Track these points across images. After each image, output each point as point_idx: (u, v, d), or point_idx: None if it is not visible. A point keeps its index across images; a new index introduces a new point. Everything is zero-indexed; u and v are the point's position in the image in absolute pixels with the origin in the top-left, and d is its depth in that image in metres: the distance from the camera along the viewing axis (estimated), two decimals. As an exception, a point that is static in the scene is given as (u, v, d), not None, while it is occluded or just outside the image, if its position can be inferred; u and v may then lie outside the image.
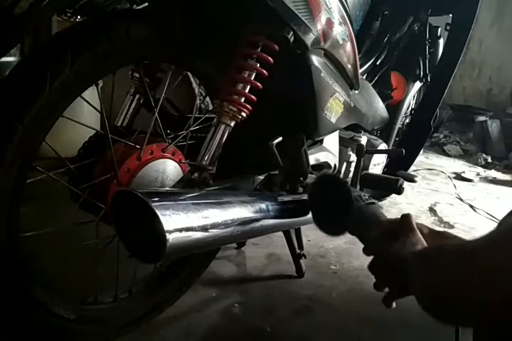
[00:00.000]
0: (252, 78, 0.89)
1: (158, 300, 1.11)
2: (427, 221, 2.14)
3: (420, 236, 0.72)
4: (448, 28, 1.64)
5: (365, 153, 1.37)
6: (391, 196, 1.88)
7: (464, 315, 0.54)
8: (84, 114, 1.68)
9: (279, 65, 0.90)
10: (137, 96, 1.13)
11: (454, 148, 4.03)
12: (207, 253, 1.17)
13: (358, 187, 1.38)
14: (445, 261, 0.56)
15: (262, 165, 1.10)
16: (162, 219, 0.68)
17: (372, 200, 0.87)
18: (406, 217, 0.75)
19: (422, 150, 1.84)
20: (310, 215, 1.09)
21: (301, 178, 1.15)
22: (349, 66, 1.15)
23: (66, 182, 0.92)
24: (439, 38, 1.74)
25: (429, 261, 0.60)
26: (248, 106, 0.90)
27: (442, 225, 2.13)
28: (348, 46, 1.11)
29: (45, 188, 0.95)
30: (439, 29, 1.71)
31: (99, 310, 0.98)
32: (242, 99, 0.89)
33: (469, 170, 3.38)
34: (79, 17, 1.06)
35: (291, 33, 0.87)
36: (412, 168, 1.96)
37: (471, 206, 2.49)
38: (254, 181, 1.14)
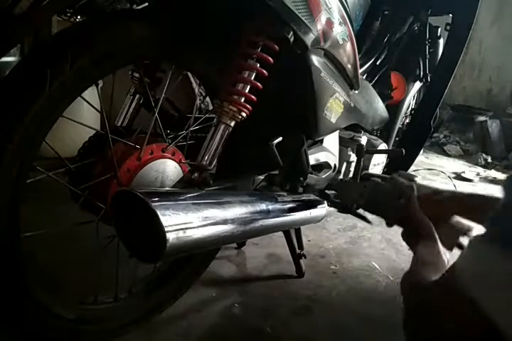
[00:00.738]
0: (252, 78, 0.89)
1: (158, 300, 1.11)
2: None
3: (425, 223, 0.79)
4: (448, 28, 1.64)
5: (365, 153, 1.37)
6: (391, 196, 1.88)
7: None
8: (84, 114, 1.69)
9: (279, 65, 0.90)
10: (137, 96, 1.13)
11: (454, 148, 4.04)
12: (207, 253, 1.17)
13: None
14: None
15: (262, 165, 1.10)
16: (162, 219, 0.68)
17: (376, 181, 1.05)
18: (408, 208, 0.85)
19: (422, 150, 1.84)
20: (310, 215, 1.10)
21: (301, 178, 1.15)
22: (349, 66, 1.15)
23: (66, 182, 0.92)
24: (439, 38, 1.74)
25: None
26: (248, 106, 0.90)
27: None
28: (348, 46, 1.10)
29: (45, 188, 0.95)
30: (439, 29, 1.71)
31: (99, 310, 0.98)
32: (242, 99, 0.89)
33: (469, 170, 3.38)
34: (79, 17, 1.06)
35: (291, 33, 0.87)
36: (412, 168, 1.96)
37: (471, 206, 2.48)
38: (254, 181, 1.14)
